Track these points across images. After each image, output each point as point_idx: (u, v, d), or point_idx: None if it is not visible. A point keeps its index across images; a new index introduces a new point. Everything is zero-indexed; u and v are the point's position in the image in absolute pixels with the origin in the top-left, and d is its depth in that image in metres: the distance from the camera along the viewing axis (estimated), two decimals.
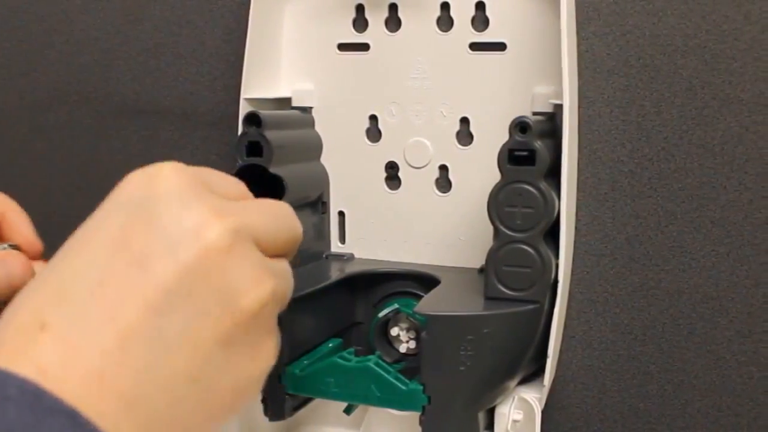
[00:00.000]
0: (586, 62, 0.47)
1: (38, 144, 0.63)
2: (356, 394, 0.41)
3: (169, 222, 0.25)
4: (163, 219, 0.25)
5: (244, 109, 0.48)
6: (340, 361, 0.41)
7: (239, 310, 0.26)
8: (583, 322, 0.49)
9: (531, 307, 0.41)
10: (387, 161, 0.50)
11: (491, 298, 0.41)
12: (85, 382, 0.22)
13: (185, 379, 0.24)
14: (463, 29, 0.47)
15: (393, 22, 0.49)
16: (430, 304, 0.41)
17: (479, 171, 0.47)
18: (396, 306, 0.47)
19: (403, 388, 0.40)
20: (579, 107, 0.47)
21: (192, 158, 0.58)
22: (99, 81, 0.60)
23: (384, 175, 0.50)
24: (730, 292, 0.47)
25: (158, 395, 0.24)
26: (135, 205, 0.26)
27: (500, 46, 0.46)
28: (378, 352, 0.46)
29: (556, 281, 0.42)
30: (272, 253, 0.29)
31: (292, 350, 0.42)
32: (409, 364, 0.46)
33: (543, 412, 0.43)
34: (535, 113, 0.45)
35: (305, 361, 0.42)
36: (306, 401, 0.45)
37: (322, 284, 0.45)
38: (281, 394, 0.42)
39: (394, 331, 0.47)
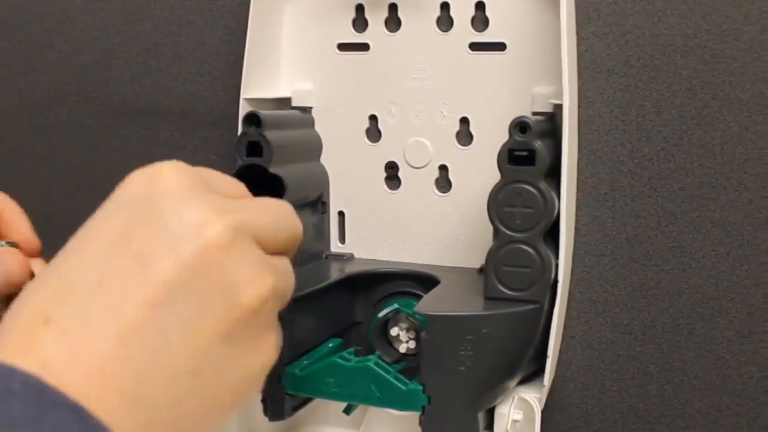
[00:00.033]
0: (586, 62, 0.47)
1: (38, 144, 0.63)
2: (356, 394, 0.41)
3: (169, 220, 0.25)
4: (163, 217, 0.25)
5: (244, 109, 0.48)
6: (339, 361, 0.41)
7: (240, 306, 0.26)
8: (583, 322, 0.49)
9: (531, 307, 0.41)
10: (387, 161, 0.50)
11: (491, 298, 0.41)
12: (88, 377, 0.23)
13: (186, 374, 0.25)
14: (463, 29, 0.47)
15: (393, 22, 0.49)
16: (429, 304, 0.41)
17: (479, 171, 0.47)
18: (396, 306, 0.47)
19: (403, 388, 0.40)
20: (579, 107, 0.47)
21: (192, 158, 0.58)
22: (99, 81, 0.60)
23: (384, 175, 0.50)
24: (730, 292, 0.46)
25: (160, 390, 0.24)
26: (136, 204, 0.26)
27: (500, 46, 0.46)
28: (378, 352, 0.46)
29: (555, 281, 0.42)
30: (273, 250, 0.29)
31: (291, 350, 0.42)
32: (408, 364, 0.46)
33: (543, 412, 0.43)
34: (534, 113, 0.45)
35: (305, 361, 0.42)
36: (306, 401, 0.45)
37: (322, 284, 0.45)
38: (281, 394, 0.42)
39: (393, 331, 0.47)
